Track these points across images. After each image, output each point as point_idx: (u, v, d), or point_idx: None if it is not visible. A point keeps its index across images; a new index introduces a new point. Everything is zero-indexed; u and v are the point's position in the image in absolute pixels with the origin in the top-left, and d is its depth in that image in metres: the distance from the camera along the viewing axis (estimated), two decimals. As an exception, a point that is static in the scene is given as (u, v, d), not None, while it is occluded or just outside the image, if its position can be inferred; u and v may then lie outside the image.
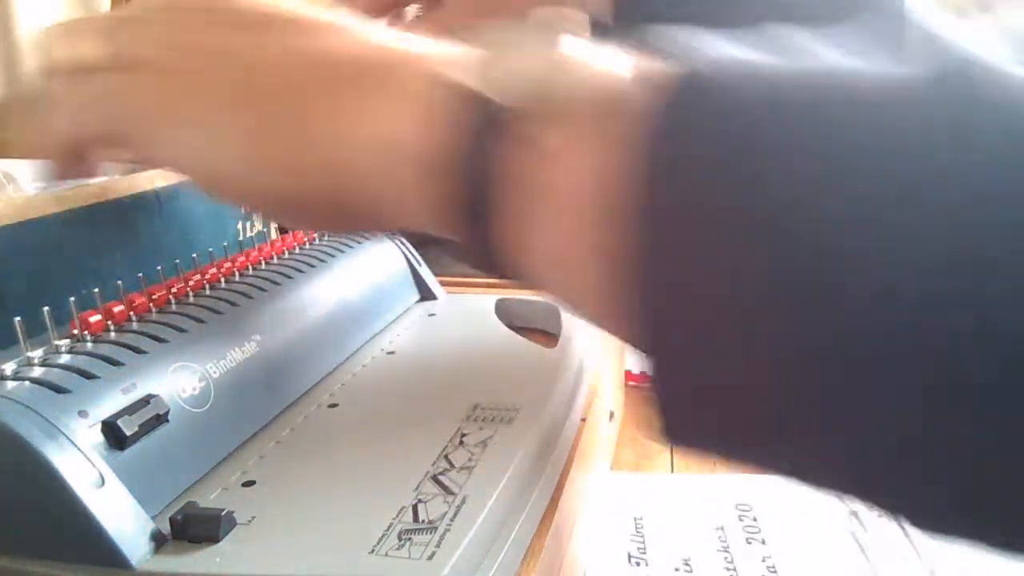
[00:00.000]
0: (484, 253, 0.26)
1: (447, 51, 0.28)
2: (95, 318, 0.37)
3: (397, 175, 0.26)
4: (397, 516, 0.32)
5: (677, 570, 0.48)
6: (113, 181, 0.54)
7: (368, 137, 0.27)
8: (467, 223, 0.25)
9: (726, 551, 0.50)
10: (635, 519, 0.53)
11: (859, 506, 0.55)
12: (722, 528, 0.52)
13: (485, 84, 0.24)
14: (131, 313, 0.38)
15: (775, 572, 0.48)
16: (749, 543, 0.51)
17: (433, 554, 0.30)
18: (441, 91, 0.26)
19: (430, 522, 0.32)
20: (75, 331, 0.36)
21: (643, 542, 0.51)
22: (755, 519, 0.54)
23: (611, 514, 0.54)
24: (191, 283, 0.43)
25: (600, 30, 0.56)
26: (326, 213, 0.30)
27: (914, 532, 0.52)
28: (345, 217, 0.30)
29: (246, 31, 0.30)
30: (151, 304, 0.40)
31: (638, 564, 0.49)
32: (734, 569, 0.48)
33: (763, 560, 0.49)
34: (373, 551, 0.30)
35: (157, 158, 0.33)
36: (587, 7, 0.53)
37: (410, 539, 0.31)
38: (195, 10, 0.32)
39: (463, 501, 0.33)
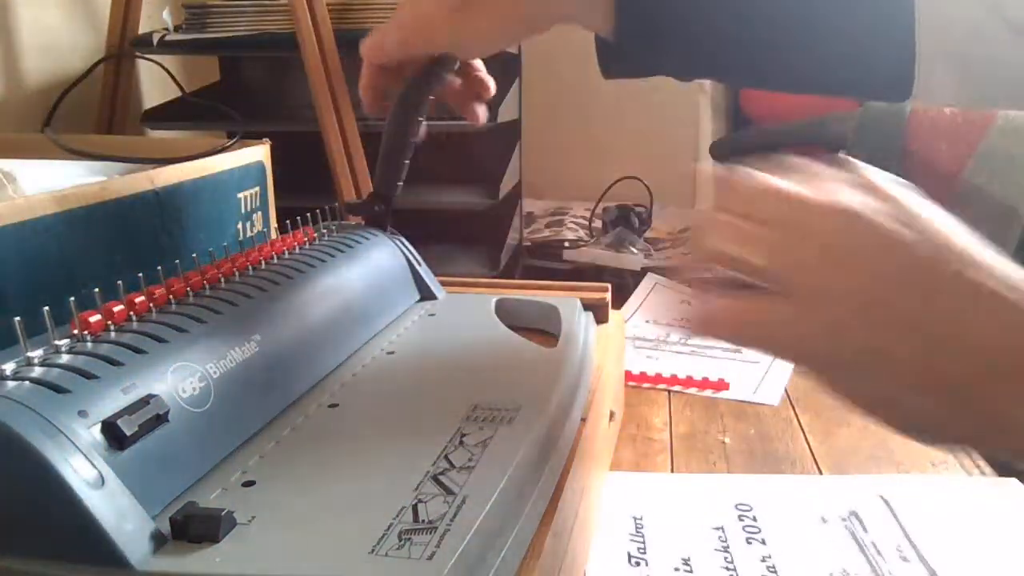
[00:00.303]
0: None
1: None
2: (95, 318, 0.36)
3: None
4: (397, 516, 0.32)
5: (677, 570, 0.48)
6: (113, 181, 0.54)
7: None
8: None
9: (726, 551, 0.50)
10: (635, 519, 0.53)
11: (859, 506, 0.55)
12: (722, 528, 0.52)
13: None
14: (131, 313, 0.38)
15: (775, 572, 0.48)
16: (749, 543, 0.51)
17: (433, 554, 0.30)
18: None
19: (430, 522, 0.32)
20: (75, 331, 0.36)
21: (643, 542, 0.51)
22: (755, 519, 0.54)
23: (611, 514, 0.54)
24: (191, 283, 0.42)
25: (604, 46, 0.57)
26: None
27: (915, 532, 0.52)
28: None
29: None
30: (151, 304, 0.40)
31: (638, 564, 0.49)
32: (734, 569, 0.48)
33: (763, 560, 0.49)
34: (373, 551, 0.30)
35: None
36: (589, 26, 0.54)
37: (410, 539, 0.31)
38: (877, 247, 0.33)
39: (463, 501, 0.33)
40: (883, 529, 0.52)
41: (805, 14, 0.52)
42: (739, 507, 0.55)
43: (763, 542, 0.51)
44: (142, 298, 0.39)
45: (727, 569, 0.48)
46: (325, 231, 0.57)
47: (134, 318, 0.38)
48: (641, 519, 0.53)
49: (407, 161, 0.60)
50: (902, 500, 0.55)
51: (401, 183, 0.61)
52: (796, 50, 0.54)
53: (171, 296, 0.41)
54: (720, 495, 0.56)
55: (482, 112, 0.62)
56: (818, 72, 0.56)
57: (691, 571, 0.48)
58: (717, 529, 0.52)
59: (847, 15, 0.52)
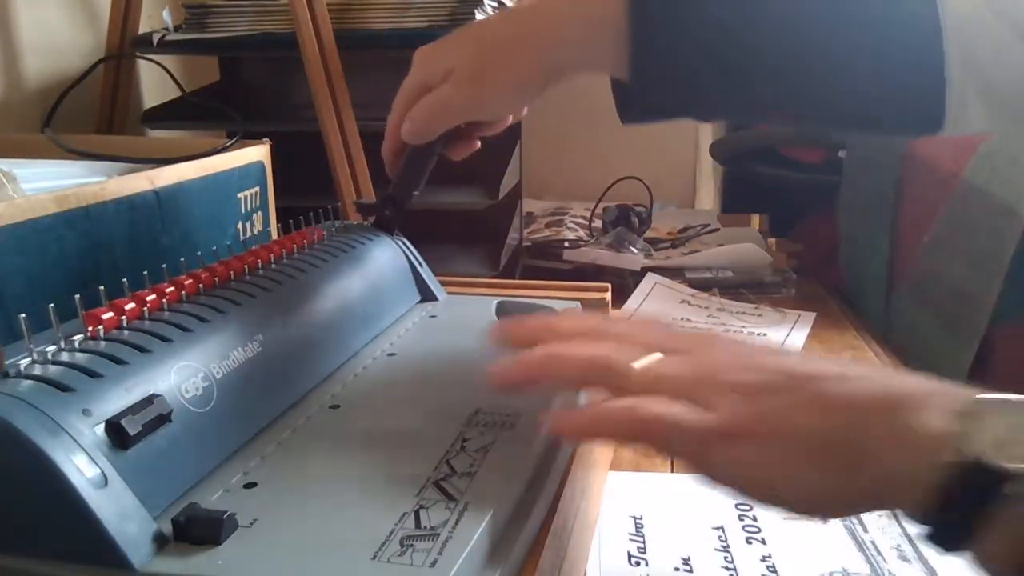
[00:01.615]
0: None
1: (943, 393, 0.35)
2: (100, 317, 0.36)
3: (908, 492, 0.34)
4: (399, 522, 0.32)
5: (677, 570, 0.48)
6: (113, 181, 0.54)
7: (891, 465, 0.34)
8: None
9: (726, 551, 0.50)
10: (635, 519, 0.53)
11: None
12: (722, 528, 0.52)
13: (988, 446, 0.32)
14: (135, 312, 0.38)
15: (775, 572, 0.48)
16: (749, 543, 0.51)
17: (435, 561, 0.30)
18: (953, 440, 0.33)
19: (432, 528, 0.32)
20: (79, 329, 0.36)
21: (643, 542, 0.51)
22: (755, 519, 0.54)
23: (611, 514, 0.54)
24: (196, 282, 0.42)
25: (620, 88, 0.58)
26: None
27: (915, 532, 0.52)
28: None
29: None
30: (155, 303, 0.39)
31: (638, 564, 0.49)
32: (734, 569, 0.48)
33: (763, 560, 0.49)
34: (375, 557, 0.30)
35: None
36: (604, 68, 0.55)
37: (412, 545, 0.31)
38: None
39: (465, 508, 0.33)
40: (883, 529, 0.52)
41: (834, 52, 0.53)
42: (739, 507, 0.55)
43: (763, 542, 0.51)
44: (146, 297, 0.39)
45: (727, 569, 0.48)
46: (327, 232, 0.57)
47: (138, 317, 0.38)
48: (641, 519, 0.53)
49: (428, 171, 0.60)
50: None
51: (418, 192, 0.61)
52: (825, 87, 0.54)
53: (175, 295, 0.41)
54: (720, 495, 0.56)
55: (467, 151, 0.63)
56: (848, 109, 0.56)
57: (691, 571, 0.48)
58: (717, 529, 0.52)
59: (876, 50, 0.53)
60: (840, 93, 0.54)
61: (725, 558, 0.49)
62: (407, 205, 0.61)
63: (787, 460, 0.36)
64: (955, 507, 0.33)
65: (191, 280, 0.42)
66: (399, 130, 0.56)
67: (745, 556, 0.49)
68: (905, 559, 0.49)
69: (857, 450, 0.35)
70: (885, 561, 0.49)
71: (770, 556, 0.49)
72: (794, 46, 0.53)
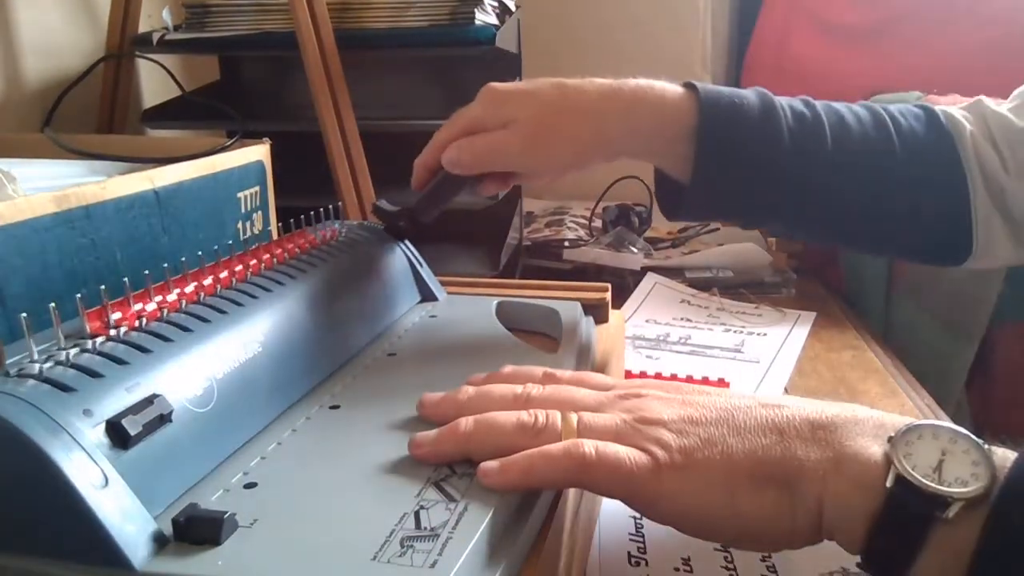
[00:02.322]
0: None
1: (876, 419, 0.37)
2: (101, 317, 0.36)
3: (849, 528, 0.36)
4: (399, 522, 0.32)
5: (677, 570, 0.48)
6: (113, 181, 0.54)
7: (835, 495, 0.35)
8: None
9: (726, 550, 0.50)
10: (635, 519, 0.53)
11: None
12: None
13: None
14: (136, 312, 0.38)
15: (775, 572, 0.48)
16: None
17: (435, 562, 0.30)
18: (890, 465, 0.34)
19: (432, 529, 0.32)
20: (79, 330, 0.36)
21: (643, 542, 0.51)
22: None
23: (611, 514, 0.54)
24: (195, 282, 0.42)
25: (666, 188, 0.63)
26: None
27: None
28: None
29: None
30: (156, 303, 0.39)
31: (638, 564, 0.49)
32: (734, 569, 0.48)
33: (763, 560, 0.49)
34: (375, 558, 0.30)
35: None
36: (664, 164, 0.58)
37: (412, 546, 0.30)
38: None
39: (465, 509, 0.33)
40: None
41: (875, 200, 0.61)
42: None
43: None
44: (147, 297, 0.39)
45: (727, 569, 0.48)
46: (327, 232, 0.57)
47: (138, 317, 0.38)
48: (641, 519, 0.53)
49: (454, 198, 0.60)
50: None
51: (438, 212, 0.61)
52: (865, 225, 0.63)
53: (175, 296, 0.41)
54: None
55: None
56: (886, 245, 0.67)
57: (691, 571, 0.48)
58: None
59: (910, 198, 0.61)
60: (878, 232, 0.63)
61: (725, 558, 0.49)
62: (425, 222, 0.61)
63: (728, 483, 0.36)
64: (893, 531, 0.34)
65: (191, 282, 0.42)
66: (440, 152, 0.58)
67: (745, 556, 0.49)
68: None
69: (796, 468, 0.36)
70: None
71: (770, 556, 0.49)
72: (841, 188, 0.60)
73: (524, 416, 0.38)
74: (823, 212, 0.61)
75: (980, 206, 0.59)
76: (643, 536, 0.51)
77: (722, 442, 0.37)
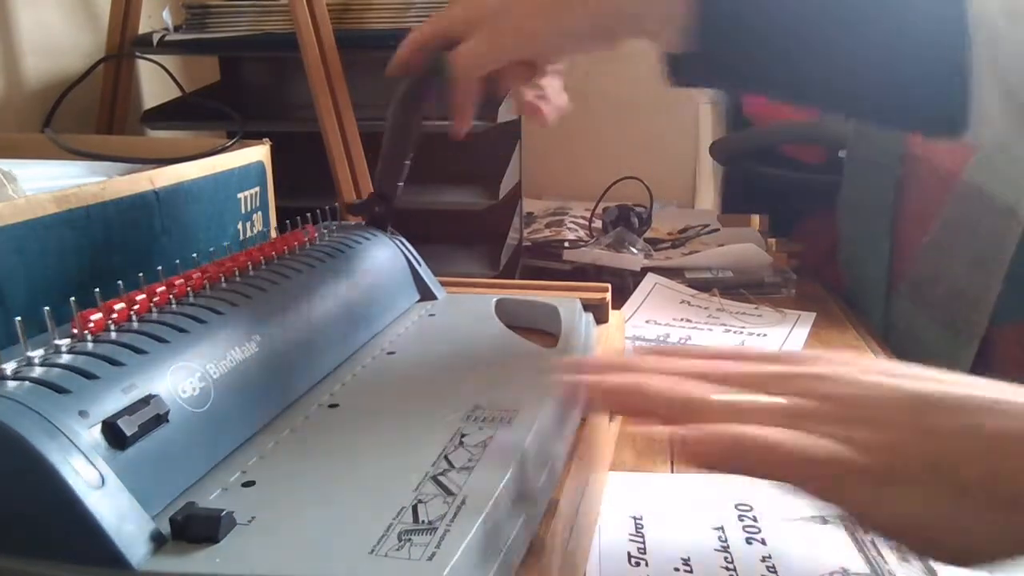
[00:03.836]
0: None
1: None
2: (95, 317, 0.36)
3: None
4: (397, 517, 0.32)
5: (677, 570, 0.48)
6: (113, 181, 0.54)
7: None
8: None
9: (726, 551, 0.50)
10: (635, 519, 0.53)
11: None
12: (722, 528, 0.52)
13: None
14: (131, 313, 0.38)
15: (775, 572, 0.48)
16: (749, 543, 0.51)
17: (433, 555, 0.30)
18: None
19: (430, 523, 0.32)
20: (75, 331, 0.36)
21: (643, 542, 0.51)
22: (755, 519, 0.53)
23: (611, 514, 0.54)
24: (192, 283, 0.43)
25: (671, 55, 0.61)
26: None
27: None
28: None
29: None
30: (151, 304, 0.40)
31: (638, 564, 0.49)
32: (734, 569, 0.48)
33: (763, 560, 0.49)
34: (373, 552, 0.30)
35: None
36: (662, 25, 0.56)
37: (410, 540, 0.31)
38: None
39: (463, 502, 0.33)
40: None
41: (870, 40, 0.54)
42: (739, 507, 0.55)
43: (763, 542, 0.51)
44: (143, 297, 0.39)
45: (727, 569, 0.48)
46: (325, 231, 0.58)
47: (135, 318, 0.38)
48: (641, 519, 0.53)
49: (408, 162, 0.60)
50: None
51: (402, 183, 0.61)
52: (859, 73, 0.56)
53: (172, 296, 0.41)
54: (720, 495, 0.56)
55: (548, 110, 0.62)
56: (877, 98, 0.57)
57: (691, 571, 0.48)
58: (717, 529, 0.52)
59: (906, 43, 0.54)
60: (870, 81, 0.56)
61: (725, 558, 0.49)
62: (395, 198, 0.61)
63: (955, 512, 0.32)
64: None
65: (187, 281, 0.42)
66: (478, 65, 0.53)
67: (745, 556, 0.49)
68: (906, 559, 0.49)
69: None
70: (886, 562, 0.49)
71: (770, 556, 0.49)
72: (834, 34, 0.55)
73: (683, 388, 0.36)
74: (816, 62, 0.56)
75: (976, 60, 0.55)
76: (643, 536, 0.51)
77: (947, 459, 0.33)
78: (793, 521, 0.53)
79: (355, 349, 0.50)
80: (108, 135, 0.93)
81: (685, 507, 0.55)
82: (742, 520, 0.53)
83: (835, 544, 0.51)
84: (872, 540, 0.51)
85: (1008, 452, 0.32)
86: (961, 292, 0.89)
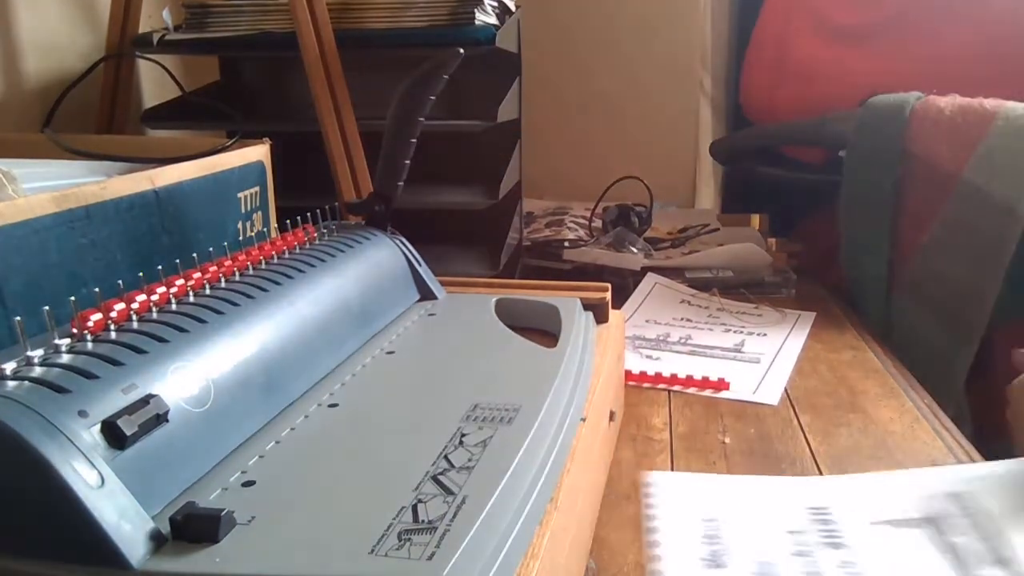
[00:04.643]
0: None
1: None
2: (95, 317, 0.36)
3: None
4: (397, 516, 0.32)
5: (755, 575, 0.47)
6: (113, 181, 0.54)
7: None
8: None
9: (806, 555, 0.48)
10: (706, 522, 0.52)
11: (938, 505, 0.53)
12: (799, 532, 0.51)
13: None
14: (131, 313, 0.38)
15: None
16: (829, 548, 0.49)
17: (433, 554, 0.30)
18: None
19: (430, 522, 0.32)
20: (75, 331, 0.36)
21: (718, 545, 0.50)
22: (832, 521, 0.52)
23: (681, 516, 0.53)
24: (192, 283, 0.43)
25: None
26: None
27: (1007, 534, 0.50)
28: None
29: None
30: (151, 304, 0.40)
31: (715, 567, 0.48)
32: (815, 573, 0.47)
33: (843, 566, 0.47)
34: (373, 551, 0.30)
35: None
36: None
37: (410, 539, 0.31)
38: None
39: (463, 501, 0.33)
40: (971, 533, 0.50)
41: None
42: (814, 510, 0.53)
43: (842, 547, 0.49)
44: (143, 297, 0.39)
45: (808, 574, 0.47)
46: (325, 231, 0.58)
47: (135, 318, 0.38)
48: (713, 521, 0.52)
49: (407, 161, 0.60)
50: (979, 496, 0.53)
51: (401, 183, 0.61)
52: None
53: (171, 296, 0.41)
54: (793, 497, 0.55)
55: None
56: None
57: None
58: (794, 533, 0.51)
59: None
60: None
61: (806, 563, 0.48)
62: (395, 198, 0.61)
63: None
64: None
65: (188, 280, 0.42)
66: None
67: (825, 562, 0.48)
68: (1000, 562, 0.47)
69: None
70: (973, 567, 0.47)
71: (852, 563, 0.48)
72: None
73: None
74: None
75: None
76: (718, 539, 0.50)
77: None
78: (875, 524, 0.52)
79: (355, 349, 0.50)
80: (108, 135, 0.93)
81: (757, 509, 0.54)
82: (819, 523, 0.52)
83: (919, 548, 0.49)
84: (957, 542, 0.49)
85: None
86: (961, 292, 0.89)
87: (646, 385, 0.76)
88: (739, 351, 0.84)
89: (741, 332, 0.90)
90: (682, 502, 0.55)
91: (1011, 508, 0.52)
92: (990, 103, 0.88)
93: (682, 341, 0.87)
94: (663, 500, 0.55)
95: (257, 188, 0.70)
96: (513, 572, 0.33)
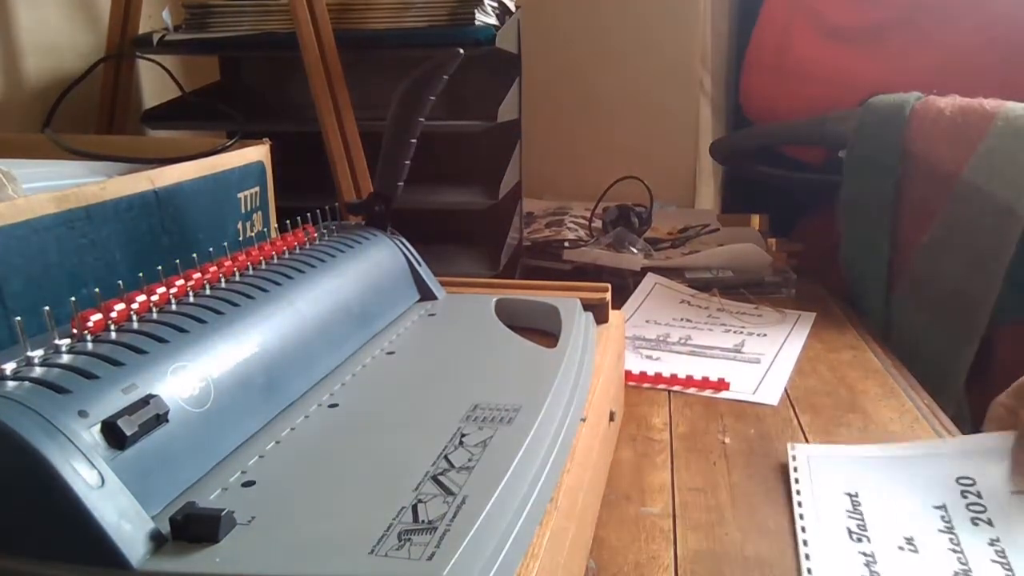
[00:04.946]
0: None
1: None
2: (95, 318, 0.36)
3: None
4: (397, 516, 0.32)
5: (901, 549, 0.46)
6: (113, 181, 0.54)
7: None
8: None
9: (951, 531, 0.48)
10: (850, 495, 0.51)
11: None
12: (944, 507, 0.50)
13: None
14: (131, 313, 0.38)
15: (1004, 557, 0.45)
16: (975, 524, 0.48)
17: (433, 554, 0.30)
18: None
19: (430, 522, 0.32)
20: (75, 331, 0.36)
21: (862, 519, 0.49)
22: (979, 495, 0.51)
23: (824, 489, 0.52)
24: (191, 283, 0.42)
25: None
26: None
27: None
28: None
29: None
30: (151, 304, 0.40)
31: (859, 540, 0.47)
32: (961, 551, 0.46)
33: (991, 544, 0.46)
34: (373, 551, 0.30)
35: None
36: None
37: (410, 539, 0.31)
38: None
39: (463, 501, 0.33)
40: None
41: None
42: (961, 481, 0.52)
43: (990, 523, 0.48)
44: (143, 297, 0.39)
45: (953, 551, 0.46)
46: (325, 231, 0.58)
47: (134, 318, 0.38)
48: (857, 496, 0.51)
49: (408, 161, 0.60)
50: None
51: (402, 183, 0.61)
52: None
53: (172, 296, 0.41)
54: (939, 469, 0.53)
55: None
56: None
57: (916, 551, 0.46)
58: (939, 508, 0.50)
59: None
60: None
61: (951, 539, 0.47)
62: (395, 198, 0.61)
63: None
64: None
65: (188, 280, 0.42)
66: None
67: (971, 538, 0.47)
68: None
69: None
70: None
71: (998, 540, 0.47)
72: None
73: None
74: None
75: None
76: (861, 513, 0.50)
77: None
78: (1015, 494, 0.50)
79: (355, 349, 0.50)
80: (108, 135, 0.93)
81: (902, 482, 0.52)
82: (965, 497, 0.51)
83: None
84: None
85: None
86: (961, 292, 0.89)
87: (646, 385, 0.76)
88: (739, 351, 0.84)
89: (741, 332, 0.90)
90: (826, 474, 0.54)
91: None
92: (990, 103, 0.88)
93: (682, 341, 0.87)
94: (807, 472, 0.54)
95: (257, 188, 0.70)
96: (513, 572, 0.33)
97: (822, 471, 0.55)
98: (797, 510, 0.50)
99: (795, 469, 0.55)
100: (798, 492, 0.52)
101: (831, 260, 1.10)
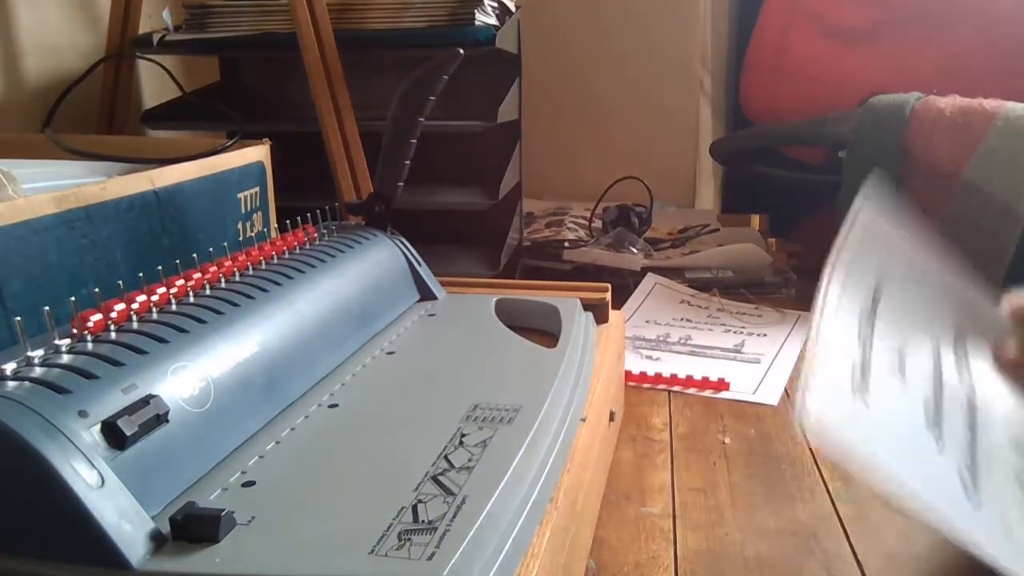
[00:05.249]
0: None
1: None
2: (95, 318, 0.36)
3: None
4: (397, 516, 0.32)
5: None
6: (113, 181, 0.54)
7: None
8: None
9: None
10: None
11: None
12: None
13: None
14: (131, 313, 0.38)
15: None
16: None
17: (433, 554, 0.30)
18: None
19: (430, 522, 0.32)
20: (75, 331, 0.36)
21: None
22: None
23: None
24: (191, 283, 0.42)
25: None
26: None
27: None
28: None
29: None
30: (151, 304, 0.40)
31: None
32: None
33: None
34: (373, 551, 0.30)
35: None
36: None
37: (410, 539, 0.31)
38: None
39: (463, 501, 0.33)
40: None
41: None
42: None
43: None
44: (143, 298, 0.39)
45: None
46: (325, 231, 0.58)
47: (134, 318, 0.38)
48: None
49: (408, 161, 0.60)
50: None
51: (402, 183, 0.61)
52: None
53: (171, 296, 0.41)
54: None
55: None
56: None
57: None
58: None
59: None
60: None
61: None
62: (395, 198, 0.61)
63: None
64: None
65: (187, 281, 0.42)
66: None
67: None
68: None
69: None
70: None
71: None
72: None
73: None
74: None
75: None
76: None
77: None
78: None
79: (355, 349, 0.50)
80: (108, 135, 0.93)
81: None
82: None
83: None
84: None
85: None
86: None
87: (646, 385, 0.76)
88: (739, 351, 0.84)
89: (741, 332, 0.90)
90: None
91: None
92: (990, 103, 0.88)
93: (682, 341, 0.87)
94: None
95: (257, 188, 0.70)
96: (513, 572, 0.33)
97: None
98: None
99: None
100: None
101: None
